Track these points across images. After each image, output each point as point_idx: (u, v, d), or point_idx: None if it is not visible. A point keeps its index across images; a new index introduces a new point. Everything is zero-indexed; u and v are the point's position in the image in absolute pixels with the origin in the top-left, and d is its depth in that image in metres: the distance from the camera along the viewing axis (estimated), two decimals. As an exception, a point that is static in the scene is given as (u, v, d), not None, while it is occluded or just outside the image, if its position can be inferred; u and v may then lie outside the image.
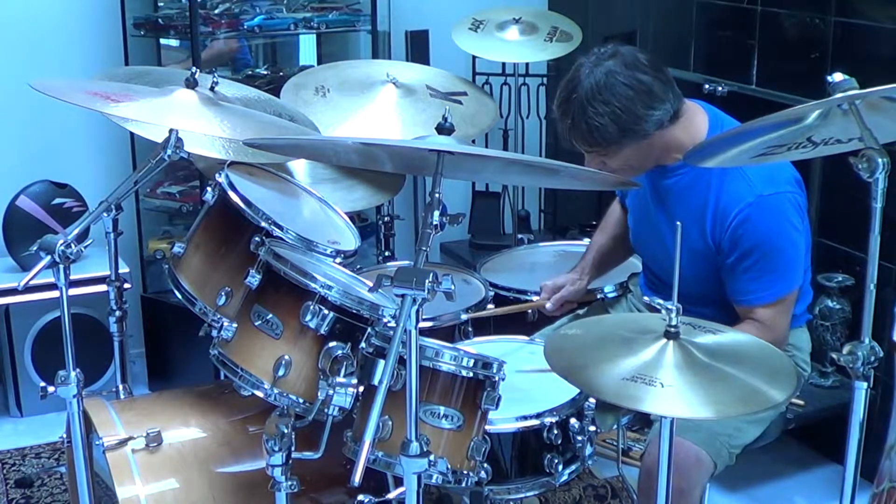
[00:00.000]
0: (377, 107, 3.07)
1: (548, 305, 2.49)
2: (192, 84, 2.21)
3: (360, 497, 1.90)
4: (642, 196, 2.37)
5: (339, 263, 2.22)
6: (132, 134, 3.28)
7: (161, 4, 3.58)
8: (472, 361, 1.83)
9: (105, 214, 2.12)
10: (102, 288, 2.51)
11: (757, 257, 2.14)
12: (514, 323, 2.50)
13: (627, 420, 2.40)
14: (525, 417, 1.96)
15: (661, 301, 1.66)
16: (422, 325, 1.63)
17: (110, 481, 2.00)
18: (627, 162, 2.18)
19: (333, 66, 3.29)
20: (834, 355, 1.69)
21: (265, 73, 3.69)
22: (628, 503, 2.92)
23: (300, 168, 2.74)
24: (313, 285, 1.92)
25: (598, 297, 2.59)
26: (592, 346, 1.73)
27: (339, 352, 1.88)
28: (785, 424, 2.39)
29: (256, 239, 2.08)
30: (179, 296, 2.18)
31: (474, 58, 3.84)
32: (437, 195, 1.71)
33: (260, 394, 1.92)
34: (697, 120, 2.22)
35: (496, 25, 3.53)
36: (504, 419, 1.94)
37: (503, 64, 3.86)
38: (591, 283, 2.56)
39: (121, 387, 2.54)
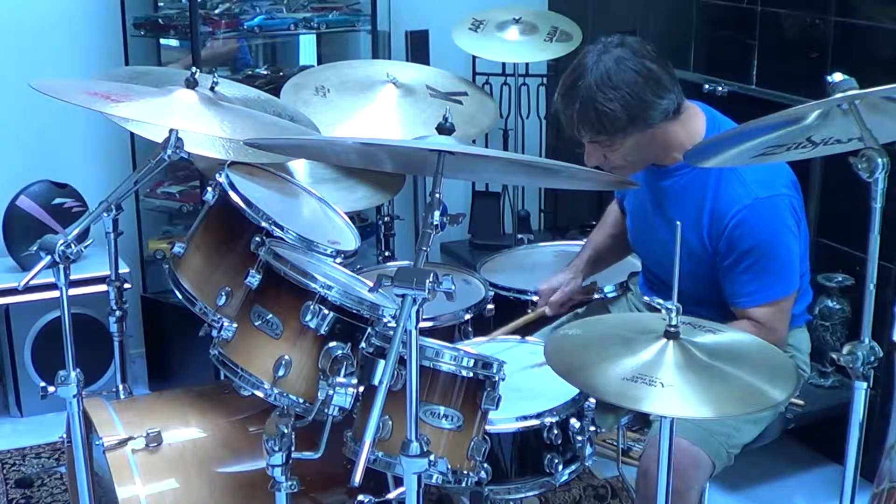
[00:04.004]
0: (377, 107, 3.07)
1: (547, 311, 2.50)
2: (192, 84, 2.21)
3: (360, 497, 1.90)
4: (640, 198, 2.37)
5: (339, 263, 2.22)
6: (132, 134, 3.28)
7: (161, 4, 3.58)
8: (472, 361, 1.83)
9: (105, 214, 2.12)
10: (102, 288, 2.51)
11: (753, 260, 2.14)
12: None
13: (627, 420, 2.40)
14: (525, 417, 1.96)
15: (660, 301, 1.66)
16: (422, 325, 1.63)
17: (110, 481, 2.00)
18: (628, 156, 2.18)
19: (333, 66, 3.29)
20: (834, 355, 1.69)
21: (265, 73, 3.69)
22: (628, 503, 2.92)
23: (300, 168, 2.74)
24: (313, 285, 1.92)
25: (598, 296, 2.59)
26: (592, 346, 1.73)
27: (339, 352, 1.88)
28: (785, 424, 2.39)
29: (256, 239, 2.08)
30: (179, 296, 2.18)
31: (474, 58, 3.84)
32: (437, 195, 1.71)
33: (260, 394, 1.92)
34: (696, 120, 2.22)
35: (496, 25, 3.53)
36: (504, 419, 1.94)
37: (503, 64, 3.86)
38: (591, 279, 2.57)
39: (121, 387, 2.53)
